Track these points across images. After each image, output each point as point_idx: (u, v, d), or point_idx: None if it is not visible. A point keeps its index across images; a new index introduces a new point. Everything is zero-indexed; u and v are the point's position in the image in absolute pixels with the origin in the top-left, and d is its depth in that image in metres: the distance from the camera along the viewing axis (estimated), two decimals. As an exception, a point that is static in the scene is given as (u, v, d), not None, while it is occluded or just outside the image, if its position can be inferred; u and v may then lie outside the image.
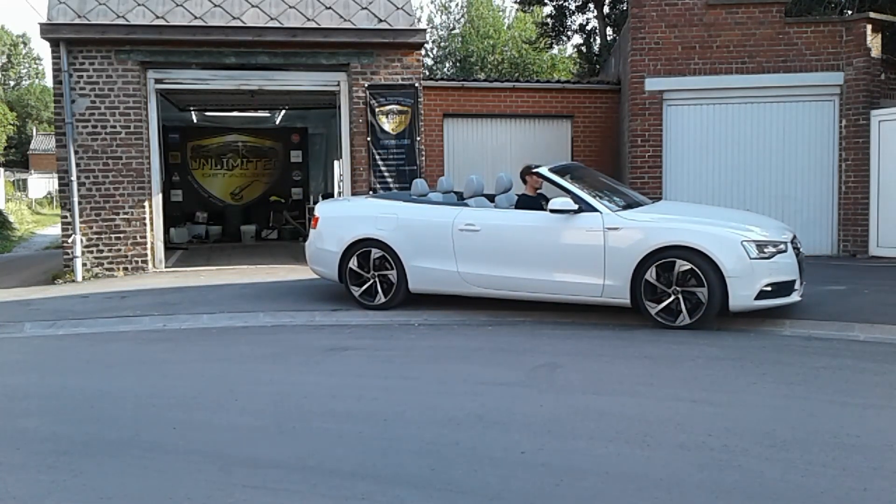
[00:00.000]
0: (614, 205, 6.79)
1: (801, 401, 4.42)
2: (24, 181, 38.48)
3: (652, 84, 11.12)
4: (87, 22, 9.56)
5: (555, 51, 29.41)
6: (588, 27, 22.77)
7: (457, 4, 35.45)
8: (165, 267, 10.40)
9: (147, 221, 9.95)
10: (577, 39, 30.75)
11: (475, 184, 7.50)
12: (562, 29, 22.83)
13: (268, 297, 7.98)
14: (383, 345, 6.13)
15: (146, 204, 9.94)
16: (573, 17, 22.71)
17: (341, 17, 10.12)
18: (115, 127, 9.77)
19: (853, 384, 4.77)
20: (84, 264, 9.72)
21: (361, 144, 10.36)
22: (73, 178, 9.61)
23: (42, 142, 47.52)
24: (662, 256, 6.23)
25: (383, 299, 7.28)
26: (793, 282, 6.40)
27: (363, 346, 6.08)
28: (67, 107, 9.57)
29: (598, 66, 19.95)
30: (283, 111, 15.71)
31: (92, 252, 9.80)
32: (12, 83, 59.69)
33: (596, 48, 21.68)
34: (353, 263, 7.32)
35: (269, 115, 16.14)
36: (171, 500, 3.21)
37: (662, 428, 3.96)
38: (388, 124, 10.33)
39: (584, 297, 6.65)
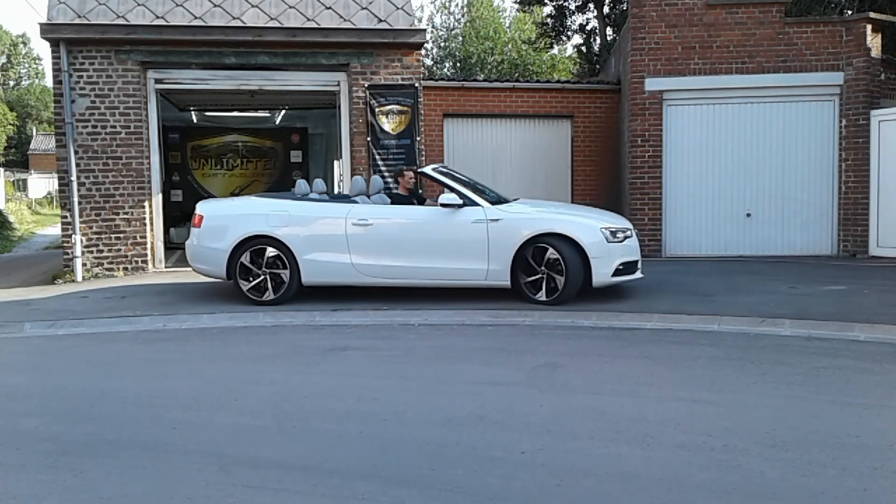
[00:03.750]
0: (489, 200, 7.59)
1: (801, 401, 4.42)
2: (24, 181, 38.47)
3: (652, 84, 11.12)
4: (87, 22, 9.55)
5: (555, 51, 29.40)
6: (588, 27, 22.78)
7: (457, 5, 35.44)
8: (165, 267, 10.39)
9: (147, 221, 9.95)
10: (577, 39, 30.75)
11: (360, 184, 8.19)
12: (562, 29, 22.83)
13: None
14: (383, 345, 6.13)
15: (146, 204, 9.93)
16: (573, 17, 22.72)
17: (341, 17, 10.11)
18: (115, 127, 9.77)
19: (853, 384, 4.77)
20: (84, 264, 9.72)
21: (361, 144, 10.36)
22: (73, 178, 9.60)
23: (42, 142, 47.52)
24: (537, 242, 7.19)
25: (274, 295, 7.61)
26: (637, 261, 7.59)
27: (363, 346, 6.08)
28: (67, 107, 9.56)
29: (598, 66, 19.96)
30: (283, 111, 15.70)
31: (92, 252, 9.79)
32: (12, 83, 59.70)
33: (596, 48, 21.68)
34: (244, 260, 7.59)
35: (269, 115, 16.12)
36: (171, 500, 3.21)
37: (662, 428, 3.96)
38: (388, 124, 10.33)
39: (471, 281, 7.47)
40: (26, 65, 61.41)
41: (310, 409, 4.42)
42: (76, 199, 9.63)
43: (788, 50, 10.92)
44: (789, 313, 6.69)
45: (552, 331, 6.53)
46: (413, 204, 8.07)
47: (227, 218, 7.82)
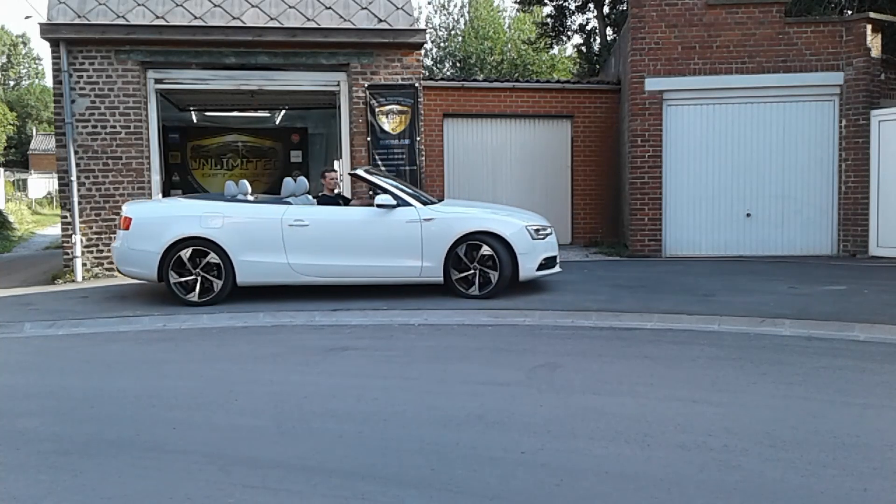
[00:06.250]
0: (419, 201, 7.92)
1: (801, 401, 4.42)
2: (24, 181, 38.42)
3: (652, 84, 11.12)
4: (87, 22, 9.56)
5: (555, 51, 29.40)
6: (588, 27, 22.81)
7: (455, 5, 35.45)
8: (165, 267, 10.37)
9: (147, 221, 9.93)
10: (577, 39, 30.77)
11: (291, 185, 8.37)
12: (562, 29, 22.85)
13: (267, 297, 7.98)
14: (383, 345, 6.13)
15: (146, 204, 9.92)
16: (573, 17, 22.75)
17: (341, 17, 10.12)
18: (115, 127, 9.78)
19: (853, 384, 4.77)
20: (84, 264, 9.72)
21: (361, 144, 10.36)
22: (73, 178, 9.61)
23: (42, 142, 47.49)
24: (468, 240, 7.63)
25: (208, 295, 7.69)
26: (556, 256, 8.11)
27: (363, 346, 6.08)
28: (67, 107, 9.57)
29: (598, 66, 19.96)
30: (283, 111, 15.70)
31: (92, 252, 9.79)
32: (12, 83, 59.68)
33: (596, 48, 21.68)
34: (176, 262, 7.63)
35: (269, 115, 16.13)
36: (171, 500, 3.21)
37: (662, 428, 3.96)
38: (388, 124, 10.33)
39: (406, 277, 7.81)
40: (26, 65, 61.39)
41: (310, 409, 4.42)
42: (76, 199, 9.63)
43: (788, 50, 10.93)
44: (789, 313, 6.69)
45: (552, 331, 6.53)
46: (339, 204, 8.32)
47: (159, 220, 7.81)
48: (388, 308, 7.33)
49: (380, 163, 10.31)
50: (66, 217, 9.77)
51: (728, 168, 11.20)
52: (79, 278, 9.60)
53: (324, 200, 8.39)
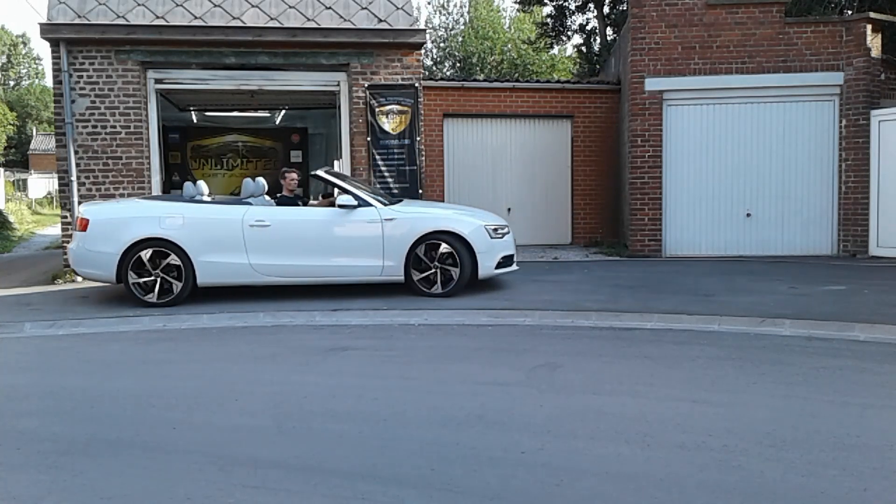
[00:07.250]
0: (379, 201, 8.01)
1: (801, 401, 4.42)
2: (24, 181, 38.43)
3: (652, 84, 11.12)
4: (87, 22, 9.56)
5: (555, 51, 29.40)
6: (588, 27, 22.81)
7: (455, 5, 35.42)
8: (165, 267, 10.37)
9: (147, 221, 9.92)
10: (577, 39, 30.78)
11: (251, 186, 8.33)
12: (562, 29, 22.86)
13: (267, 296, 7.99)
14: (383, 345, 6.13)
15: (146, 204, 9.92)
16: (573, 17, 22.76)
17: (341, 17, 10.11)
18: (115, 127, 9.78)
19: (853, 384, 4.77)
20: (84, 264, 9.71)
21: (361, 144, 10.36)
22: (73, 178, 9.61)
23: (42, 142, 47.50)
24: (429, 239, 7.76)
25: (168, 297, 7.66)
26: (513, 255, 8.28)
27: (363, 346, 6.08)
28: (67, 107, 9.57)
29: (598, 66, 19.96)
30: (283, 111, 15.69)
31: (92, 252, 9.79)
32: (12, 83, 59.69)
33: (596, 48, 21.69)
34: (135, 263, 7.59)
35: (269, 115, 16.12)
36: (171, 500, 3.21)
37: (662, 428, 3.96)
38: (388, 124, 10.33)
39: (368, 277, 7.90)
40: (26, 65, 61.40)
41: (310, 409, 4.42)
42: (76, 199, 9.63)
43: (788, 50, 10.93)
44: (789, 313, 6.69)
45: (552, 331, 6.53)
46: (298, 205, 8.40)
47: (117, 221, 7.76)
48: (388, 308, 7.33)
49: (380, 163, 10.31)
50: (66, 217, 9.77)
51: (728, 168, 11.20)
52: (79, 278, 9.59)
53: (282, 201, 8.40)
